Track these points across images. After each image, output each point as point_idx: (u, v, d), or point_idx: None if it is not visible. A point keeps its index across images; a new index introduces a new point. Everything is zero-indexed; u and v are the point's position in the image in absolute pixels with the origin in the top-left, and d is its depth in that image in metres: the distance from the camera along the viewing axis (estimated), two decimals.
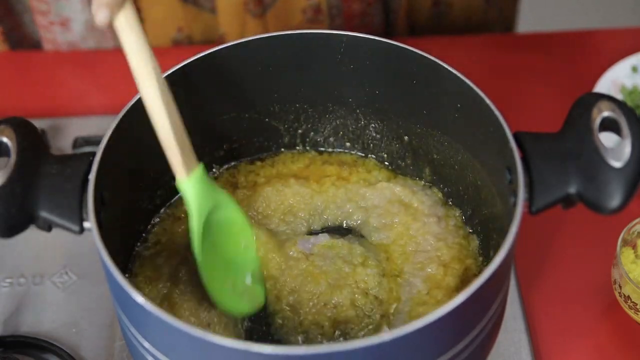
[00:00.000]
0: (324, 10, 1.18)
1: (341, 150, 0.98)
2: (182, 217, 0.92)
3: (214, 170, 0.96)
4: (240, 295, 0.85)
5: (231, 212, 0.85)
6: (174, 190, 0.93)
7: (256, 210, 0.92)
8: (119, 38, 0.75)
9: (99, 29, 1.19)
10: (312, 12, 1.18)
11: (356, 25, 1.21)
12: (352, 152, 0.98)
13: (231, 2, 1.17)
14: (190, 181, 0.80)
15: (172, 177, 0.93)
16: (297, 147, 0.98)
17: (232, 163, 0.97)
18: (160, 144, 0.78)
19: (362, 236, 0.91)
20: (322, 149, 0.98)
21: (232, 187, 0.94)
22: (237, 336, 0.85)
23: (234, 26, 1.19)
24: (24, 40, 1.24)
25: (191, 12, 1.19)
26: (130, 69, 0.75)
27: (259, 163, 0.97)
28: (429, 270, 0.87)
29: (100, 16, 0.73)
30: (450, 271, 0.87)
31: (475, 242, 0.90)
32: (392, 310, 0.85)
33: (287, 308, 0.85)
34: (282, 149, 0.98)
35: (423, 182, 0.95)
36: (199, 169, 0.80)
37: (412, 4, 1.22)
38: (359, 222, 0.92)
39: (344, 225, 0.92)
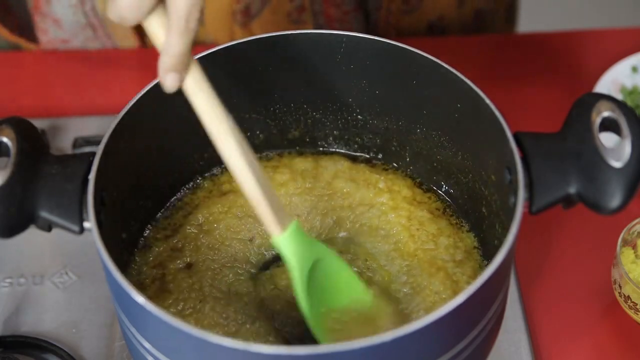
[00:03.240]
0: (307, 8, 1.18)
1: (340, 150, 0.98)
2: (180, 221, 0.92)
3: (214, 171, 0.96)
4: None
5: (334, 263, 0.82)
6: (173, 190, 0.94)
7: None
8: (189, 100, 0.73)
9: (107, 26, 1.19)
10: (296, 13, 1.18)
11: (336, 29, 1.21)
12: (351, 152, 0.98)
13: (219, 14, 1.17)
14: (286, 237, 0.77)
15: (172, 177, 0.93)
16: (297, 147, 0.98)
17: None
18: (250, 202, 0.76)
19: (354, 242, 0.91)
20: (322, 148, 0.98)
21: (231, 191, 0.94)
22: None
23: (222, 36, 1.19)
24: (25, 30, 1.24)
25: None
26: (203, 124, 0.74)
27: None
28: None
29: (169, 82, 0.72)
30: None
31: (474, 242, 0.90)
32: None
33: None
34: (282, 149, 0.98)
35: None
36: (293, 224, 0.78)
37: (403, 23, 1.23)
38: (350, 227, 0.91)
39: (337, 234, 0.92)
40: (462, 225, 0.91)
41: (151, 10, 0.71)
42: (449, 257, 0.88)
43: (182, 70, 0.72)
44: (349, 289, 0.83)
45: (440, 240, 0.89)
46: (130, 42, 1.22)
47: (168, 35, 0.71)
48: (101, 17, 1.19)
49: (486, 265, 0.88)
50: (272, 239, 0.78)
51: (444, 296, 0.85)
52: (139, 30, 1.20)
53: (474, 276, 0.87)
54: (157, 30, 0.72)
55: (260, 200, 0.75)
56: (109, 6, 0.71)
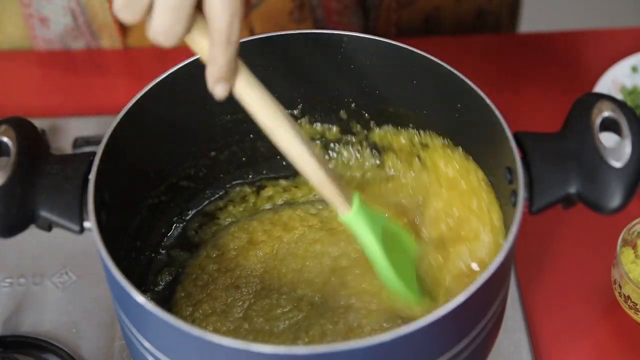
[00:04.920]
0: (306, 4, 1.18)
1: (340, 149, 0.98)
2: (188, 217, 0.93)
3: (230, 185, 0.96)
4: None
5: (394, 228, 0.84)
6: (174, 190, 0.94)
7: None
8: (240, 101, 0.74)
9: (79, 30, 1.19)
10: (297, 12, 1.18)
11: (335, 22, 1.21)
12: (351, 151, 0.98)
13: None
14: (355, 213, 0.79)
15: (172, 177, 0.93)
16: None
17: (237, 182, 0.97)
18: (315, 186, 0.77)
19: None
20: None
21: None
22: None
23: None
24: None
25: None
26: (258, 122, 0.74)
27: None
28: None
29: (219, 92, 0.71)
30: None
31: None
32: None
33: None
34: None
35: None
36: (357, 199, 0.79)
37: (400, 18, 1.23)
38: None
39: None
40: None
41: (187, 31, 0.69)
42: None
43: (231, 77, 0.71)
44: (409, 247, 0.85)
45: None
46: (112, 40, 1.22)
47: (211, 49, 0.70)
48: (83, 6, 1.18)
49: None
50: (342, 219, 0.79)
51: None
52: (122, 30, 1.20)
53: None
54: (200, 42, 0.71)
55: (325, 182, 0.76)
56: (146, 27, 0.69)
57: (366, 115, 0.94)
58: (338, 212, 0.79)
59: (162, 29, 0.68)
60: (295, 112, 0.95)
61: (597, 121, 0.77)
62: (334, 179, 0.77)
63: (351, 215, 0.78)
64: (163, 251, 0.92)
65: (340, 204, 0.78)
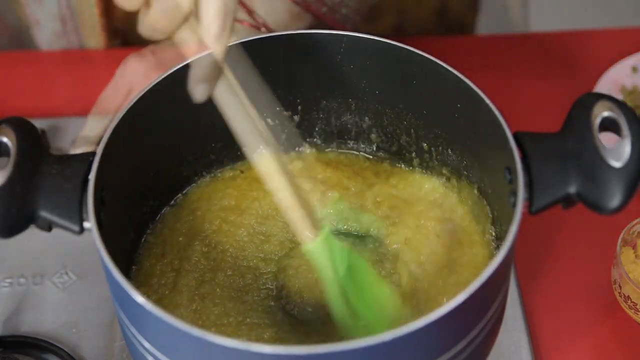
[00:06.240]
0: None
1: (340, 150, 0.98)
2: (183, 216, 0.92)
3: (215, 170, 0.96)
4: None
5: (361, 266, 0.80)
6: (174, 190, 0.94)
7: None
8: (218, 106, 0.72)
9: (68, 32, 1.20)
10: None
11: None
12: (351, 151, 0.98)
13: None
14: (320, 243, 0.76)
15: (172, 176, 0.93)
16: (297, 148, 0.98)
17: (232, 165, 0.97)
18: (283, 209, 0.75)
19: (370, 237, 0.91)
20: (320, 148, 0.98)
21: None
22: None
23: None
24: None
25: None
26: (233, 132, 0.73)
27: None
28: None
29: (199, 94, 0.70)
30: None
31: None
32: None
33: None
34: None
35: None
36: (326, 229, 0.76)
37: None
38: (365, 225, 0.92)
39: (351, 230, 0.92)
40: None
41: (183, 21, 0.69)
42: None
43: (213, 80, 0.70)
44: (378, 295, 0.81)
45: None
46: (96, 41, 1.22)
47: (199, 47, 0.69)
48: (73, 9, 1.18)
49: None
50: (304, 246, 0.76)
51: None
52: (108, 28, 1.20)
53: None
54: (188, 41, 0.71)
55: (294, 205, 0.74)
56: (139, 20, 0.69)
57: (366, 117, 0.94)
58: (302, 238, 0.76)
59: (160, 16, 0.68)
60: (296, 116, 0.95)
61: (597, 121, 0.77)
62: (304, 204, 0.74)
63: (316, 245, 0.75)
64: None
65: (306, 230, 0.75)
